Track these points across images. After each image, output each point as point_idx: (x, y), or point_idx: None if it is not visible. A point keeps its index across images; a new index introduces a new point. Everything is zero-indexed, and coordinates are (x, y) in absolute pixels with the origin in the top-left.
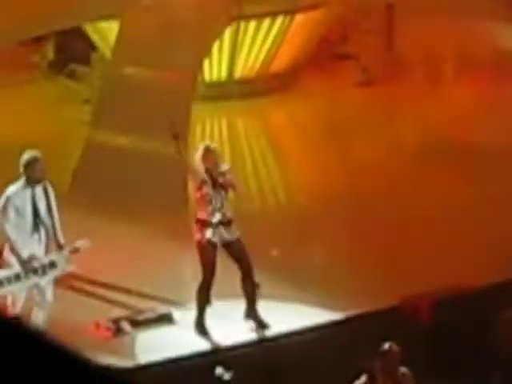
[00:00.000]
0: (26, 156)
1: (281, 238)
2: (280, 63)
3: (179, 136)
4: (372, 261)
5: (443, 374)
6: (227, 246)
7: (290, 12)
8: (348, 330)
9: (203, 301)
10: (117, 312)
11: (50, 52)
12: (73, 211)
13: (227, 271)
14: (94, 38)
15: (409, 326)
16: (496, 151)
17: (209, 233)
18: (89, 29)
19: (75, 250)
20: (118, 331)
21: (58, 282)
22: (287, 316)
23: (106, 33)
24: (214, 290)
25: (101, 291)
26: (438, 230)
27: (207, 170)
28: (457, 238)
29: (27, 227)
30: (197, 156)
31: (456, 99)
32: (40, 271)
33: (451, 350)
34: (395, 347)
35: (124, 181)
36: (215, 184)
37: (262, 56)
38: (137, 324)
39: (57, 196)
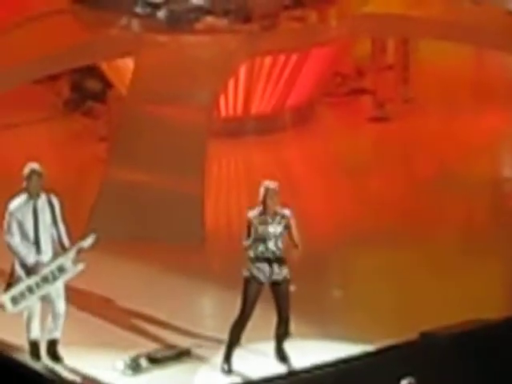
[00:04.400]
0: (26, 169)
1: (297, 273)
2: (296, 98)
3: None
4: (390, 294)
5: None
6: (273, 285)
7: (306, 47)
8: (366, 365)
9: (235, 338)
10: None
11: (65, 90)
12: (89, 248)
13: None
14: (110, 75)
15: (428, 361)
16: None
17: (254, 268)
18: (104, 66)
19: (80, 249)
20: (137, 368)
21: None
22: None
23: (121, 70)
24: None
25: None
26: (457, 264)
27: (264, 207)
28: (475, 271)
29: (31, 239)
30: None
31: (472, 133)
32: (50, 277)
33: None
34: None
35: (141, 218)
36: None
37: (277, 92)
38: (156, 361)
39: (74, 235)
